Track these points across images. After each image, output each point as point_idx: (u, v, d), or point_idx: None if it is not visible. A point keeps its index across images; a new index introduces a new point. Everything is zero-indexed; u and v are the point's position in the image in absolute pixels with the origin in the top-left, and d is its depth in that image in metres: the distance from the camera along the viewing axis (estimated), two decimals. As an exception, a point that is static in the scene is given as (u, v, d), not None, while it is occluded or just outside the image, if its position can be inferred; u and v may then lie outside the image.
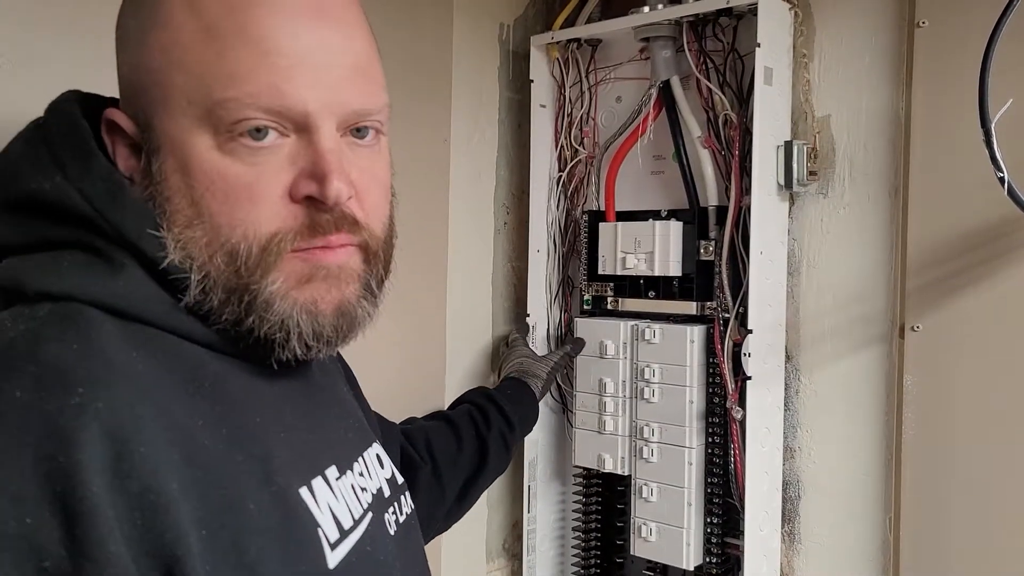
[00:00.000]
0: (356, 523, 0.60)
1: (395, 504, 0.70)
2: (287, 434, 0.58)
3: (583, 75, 1.44)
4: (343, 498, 0.60)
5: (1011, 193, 0.90)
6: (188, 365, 0.54)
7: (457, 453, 1.07)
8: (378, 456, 0.72)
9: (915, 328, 1.17)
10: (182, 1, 0.55)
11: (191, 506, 0.48)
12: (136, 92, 0.57)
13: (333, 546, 0.56)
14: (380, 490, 0.68)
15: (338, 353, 0.79)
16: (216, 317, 0.56)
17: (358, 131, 0.58)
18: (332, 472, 0.60)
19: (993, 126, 0.89)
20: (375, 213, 0.60)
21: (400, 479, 0.74)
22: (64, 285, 0.52)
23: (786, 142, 1.24)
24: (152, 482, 0.46)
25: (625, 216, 1.37)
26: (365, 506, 0.63)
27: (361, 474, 0.65)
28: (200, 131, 0.54)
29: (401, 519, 0.70)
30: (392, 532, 0.66)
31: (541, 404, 1.48)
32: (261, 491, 0.52)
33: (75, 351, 0.49)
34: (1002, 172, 0.89)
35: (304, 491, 0.56)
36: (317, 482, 0.58)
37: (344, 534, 0.58)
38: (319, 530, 0.56)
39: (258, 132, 0.54)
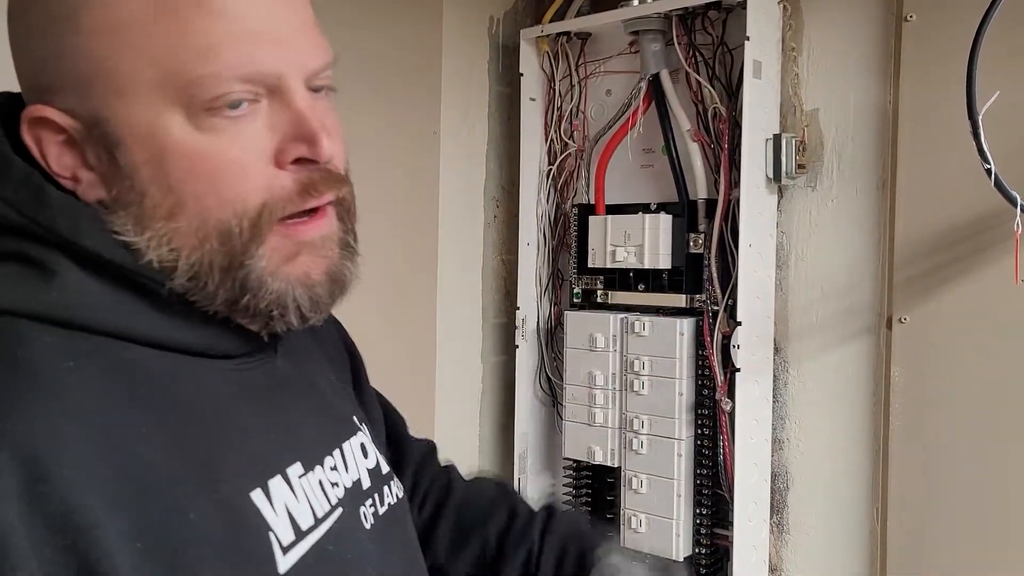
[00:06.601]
0: (318, 522, 0.58)
1: (375, 495, 0.67)
2: (241, 435, 0.56)
3: (573, 68, 1.44)
4: (305, 496, 0.58)
5: (998, 184, 0.92)
6: (130, 371, 0.52)
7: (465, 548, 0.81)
8: (362, 445, 0.69)
9: (902, 320, 1.18)
10: None
11: (125, 521, 0.47)
12: (72, 84, 0.52)
13: (286, 549, 0.55)
14: (357, 482, 0.66)
15: (338, 326, 0.79)
16: (210, 301, 0.55)
17: (319, 88, 0.58)
18: (295, 469, 0.59)
19: (980, 118, 0.89)
20: (343, 163, 0.60)
21: (385, 468, 0.71)
22: None
23: (775, 135, 1.24)
24: (75, 502, 0.45)
25: (615, 209, 1.37)
26: (334, 502, 0.61)
27: (334, 468, 0.63)
28: (171, 114, 0.52)
29: (382, 510, 0.67)
30: (368, 526, 0.64)
31: (531, 395, 1.48)
32: (204, 499, 0.51)
33: None
34: (989, 164, 0.90)
35: (257, 494, 0.55)
36: (275, 482, 0.56)
37: (301, 535, 0.56)
38: (271, 534, 0.54)
39: (237, 103, 0.53)
